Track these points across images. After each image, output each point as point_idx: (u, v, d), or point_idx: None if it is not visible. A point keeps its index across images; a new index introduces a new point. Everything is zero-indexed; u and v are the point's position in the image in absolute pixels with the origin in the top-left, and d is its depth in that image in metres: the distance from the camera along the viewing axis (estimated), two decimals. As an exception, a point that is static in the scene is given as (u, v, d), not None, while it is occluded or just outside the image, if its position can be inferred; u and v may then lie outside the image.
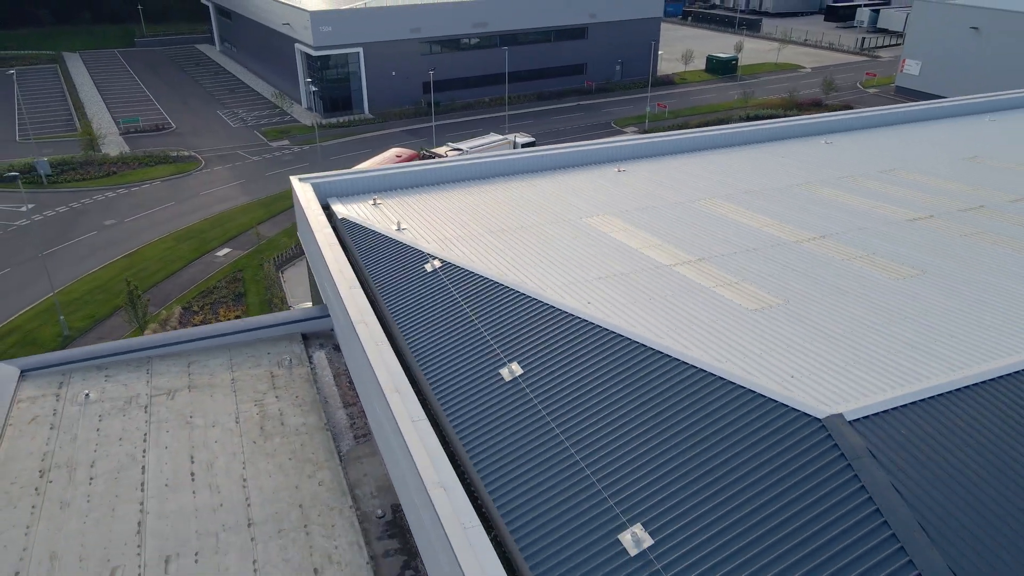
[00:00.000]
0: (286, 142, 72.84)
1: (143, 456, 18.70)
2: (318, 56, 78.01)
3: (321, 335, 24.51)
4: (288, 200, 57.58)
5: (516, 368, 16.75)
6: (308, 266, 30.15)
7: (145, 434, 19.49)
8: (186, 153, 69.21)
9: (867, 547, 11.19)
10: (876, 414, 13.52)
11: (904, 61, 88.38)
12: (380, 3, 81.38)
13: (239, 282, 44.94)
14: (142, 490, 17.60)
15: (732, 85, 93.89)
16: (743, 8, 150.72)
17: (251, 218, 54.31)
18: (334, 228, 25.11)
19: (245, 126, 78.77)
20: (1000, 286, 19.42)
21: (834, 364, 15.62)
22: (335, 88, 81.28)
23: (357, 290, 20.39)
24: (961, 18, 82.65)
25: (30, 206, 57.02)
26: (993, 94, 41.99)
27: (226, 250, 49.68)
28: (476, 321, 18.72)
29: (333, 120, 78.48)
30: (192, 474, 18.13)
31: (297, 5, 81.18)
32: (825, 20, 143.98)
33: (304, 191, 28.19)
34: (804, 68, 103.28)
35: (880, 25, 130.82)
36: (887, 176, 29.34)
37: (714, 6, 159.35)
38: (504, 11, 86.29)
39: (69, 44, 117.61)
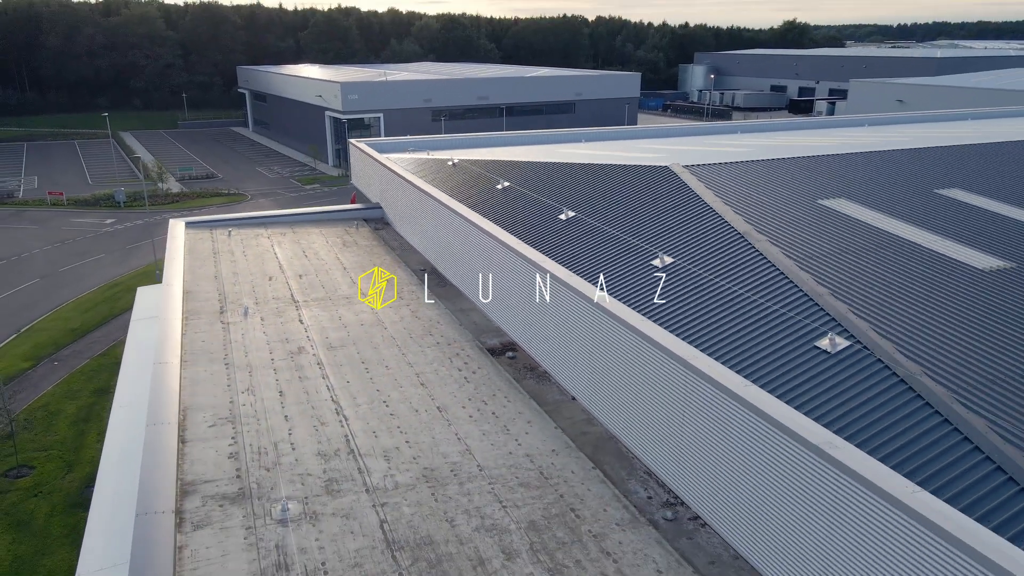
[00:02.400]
0: (317, 185, 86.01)
1: (273, 251, 29.88)
2: (345, 120, 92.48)
3: (377, 220, 35.96)
4: (324, 216, 69.82)
5: (504, 182, 28.21)
6: (355, 192, 41.83)
7: (271, 244, 30.72)
8: (235, 191, 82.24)
9: (689, 219, 22.46)
10: (699, 164, 24.99)
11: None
12: (398, 78, 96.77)
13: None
14: (277, 258, 28.72)
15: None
16: (717, 103, 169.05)
17: (295, 227, 66.30)
18: (386, 154, 37.15)
19: (281, 177, 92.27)
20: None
21: (689, 163, 27.23)
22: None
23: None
24: (889, 93, 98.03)
25: (111, 220, 69.27)
26: (876, 114, 55.02)
27: (277, 244, 61.33)
28: (486, 173, 30.33)
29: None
30: (306, 256, 29.26)
31: (328, 79, 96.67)
32: (789, 113, 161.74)
33: (366, 147, 40.43)
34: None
35: (836, 115, 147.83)
36: (771, 139, 41.65)
37: (693, 103, 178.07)
38: (503, 88, 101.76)
39: (122, 126, 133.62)
